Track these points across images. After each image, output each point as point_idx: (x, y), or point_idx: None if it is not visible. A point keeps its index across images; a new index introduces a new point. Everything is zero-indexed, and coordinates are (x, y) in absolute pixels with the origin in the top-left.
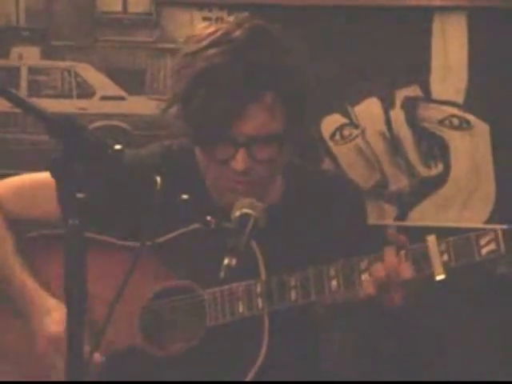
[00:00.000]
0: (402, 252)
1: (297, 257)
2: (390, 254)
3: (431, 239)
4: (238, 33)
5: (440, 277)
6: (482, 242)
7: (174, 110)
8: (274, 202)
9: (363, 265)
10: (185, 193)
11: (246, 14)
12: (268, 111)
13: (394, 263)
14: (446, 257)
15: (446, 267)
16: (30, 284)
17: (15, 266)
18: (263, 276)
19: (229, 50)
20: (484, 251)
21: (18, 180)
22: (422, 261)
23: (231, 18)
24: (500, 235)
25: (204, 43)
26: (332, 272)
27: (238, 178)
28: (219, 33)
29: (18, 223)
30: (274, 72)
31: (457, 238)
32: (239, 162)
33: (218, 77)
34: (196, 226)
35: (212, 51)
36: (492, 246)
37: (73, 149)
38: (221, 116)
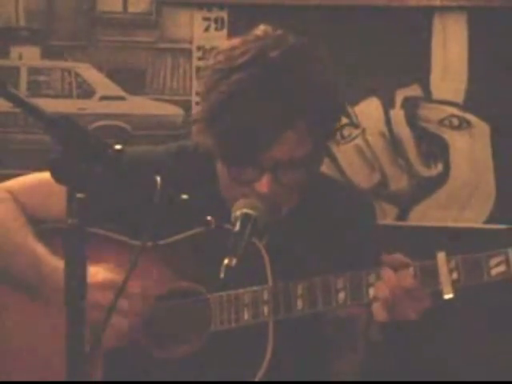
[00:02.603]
0: (411, 268)
1: (306, 265)
2: (386, 272)
3: (441, 256)
4: (274, 54)
5: (448, 296)
6: (492, 262)
7: (200, 125)
8: (287, 211)
9: (371, 278)
10: (196, 194)
11: (280, 31)
12: (299, 138)
13: (394, 282)
14: (455, 275)
15: (455, 286)
16: (49, 256)
17: (36, 247)
18: (270, 283)
19: (265, 72)
20: (493, 272)
21: (33, 178)
22: (430, 278)
23: (259, 32)
24: (511, 257)
25: (239, 61)
26: (340, 284)
27: (259, 199)
28: (254, 52)
29: (33, 220)
30: (308, 98)
31: (467, 257)
32: (264, 185)
33: (252, 100)
34: (203, 228)
35: (247, 72)
36: (502, 268)
37: (73, 149)
38: (251, 140)
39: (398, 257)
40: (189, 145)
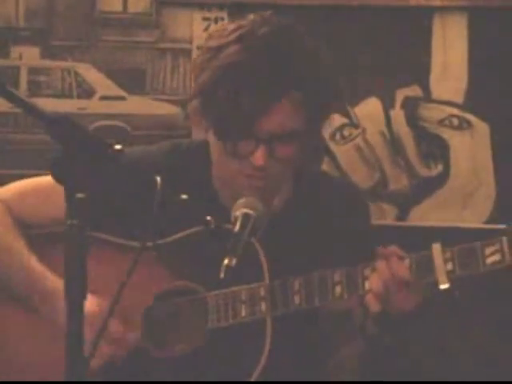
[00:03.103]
0: (406, 260)
1: (301, 261)
2: (381, 266)
3: (436, 247)
4: (264, 29)
5: (444, 286)
6: (487, 251)
7: (194, 103)
8: (280, 206)
9: (367, 272)
10: (191, 192)
11: (269, 12)
12: (292, 110)
13: (387, 275)
14: (450, 265)
15: (450, 276)
16: (50, 275)
17: (30, 261)
18: (267, 280)
19: (255, 45)
20: (489, 261)
21: (25, 184)
22: (425, 269)
23: (250, 16)
24: (505, 246)
25: (230, 38)
26: (336, 278)
27: (255, 173)
28: (245, 28)
29: (26, 227)
30: (299, 71)
31: (462, 247)
32: (259, 157)
33: (244, 73)
34: (199, 227)
35: (238, 46)
36: (497, 257)
37: (73, 149)
38: (244, 113)
39: (394, 249)
40: (182, 142)
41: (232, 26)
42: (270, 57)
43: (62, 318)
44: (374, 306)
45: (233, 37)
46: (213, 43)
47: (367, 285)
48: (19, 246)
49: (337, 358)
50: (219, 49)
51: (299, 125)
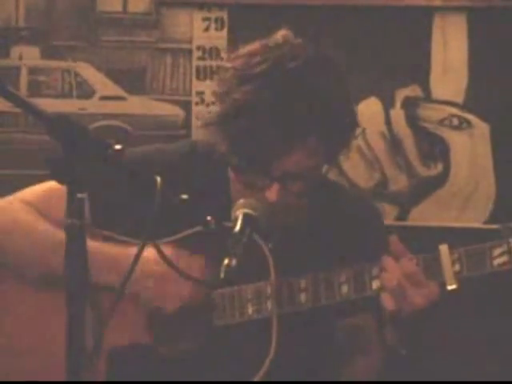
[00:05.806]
0: (413, 261)
1: (309, 263)
2: (389, 263)
3: (443, 248)
4: (291, 65)
5: (452, 287)
6: (495, 253)
7: (213, 128)
8: (296, 215)
9: (375, 271)
10: (206, 193)
11: (299, 40)
12: (309, 151)
13: (398, 270)
14: (457, 266)
15: (458, 277)
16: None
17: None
18: (273, 278)
19: (280, 84)
20: (496, 263)
21: (48, 186)
22: (433, 270)
23: (280, 37)
24: None
25: (256, 70)
26: (343, 277)
27: (268, 205)
28: (271, 61)
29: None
30: (322, 113)
31: (469, 248)
32: (273, 194)
33: (265, 111)
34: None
35: (263, 82)
36: (504, 258)
37: (73, 149)
38: (261, 152)
39: (402, 249)
40: (199, 143)
41: (261, 55)
42: (293, 98)
43: None
44: (389, 304)
45: (260, 69)
46: (239, 71)
47: (375, 284)
48: (50, 228)
49: (350, 369)
50: (245, 79)
51: (316, 164)
